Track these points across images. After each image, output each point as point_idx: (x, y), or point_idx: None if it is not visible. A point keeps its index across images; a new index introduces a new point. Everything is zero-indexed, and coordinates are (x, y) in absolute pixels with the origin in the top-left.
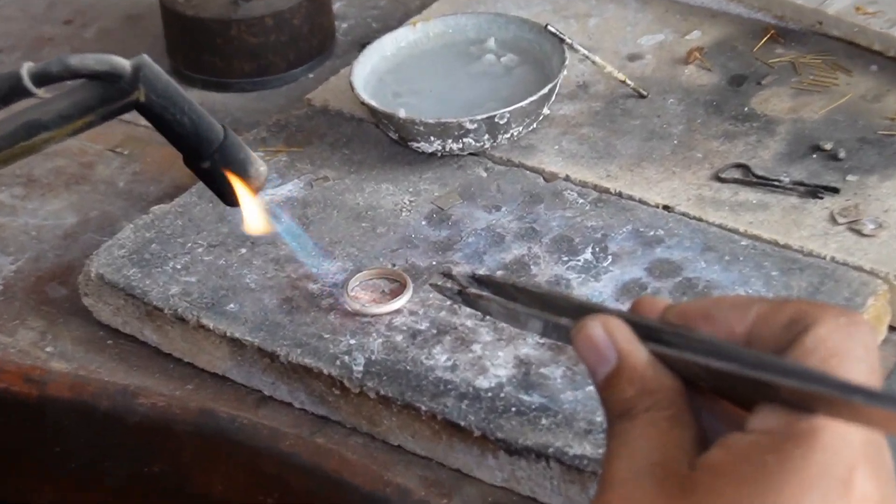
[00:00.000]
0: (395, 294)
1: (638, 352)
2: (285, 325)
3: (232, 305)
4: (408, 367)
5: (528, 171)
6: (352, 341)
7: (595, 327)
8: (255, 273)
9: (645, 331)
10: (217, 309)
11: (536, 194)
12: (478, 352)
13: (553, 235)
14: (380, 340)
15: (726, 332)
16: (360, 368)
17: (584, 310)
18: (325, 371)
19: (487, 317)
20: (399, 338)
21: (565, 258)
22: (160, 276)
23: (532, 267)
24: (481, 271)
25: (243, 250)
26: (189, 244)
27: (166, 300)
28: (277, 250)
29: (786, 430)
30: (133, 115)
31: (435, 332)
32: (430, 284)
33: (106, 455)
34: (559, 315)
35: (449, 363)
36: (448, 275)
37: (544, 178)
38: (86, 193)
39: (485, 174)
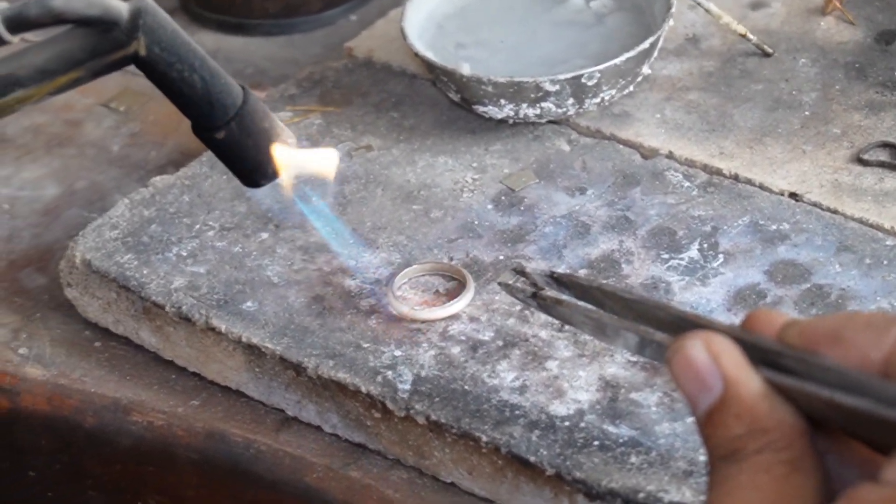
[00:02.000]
0: (451, 295)
1: (749, 380)
2: (315, 330)
3: (249, 303)
4: (466, 387)
5: (621, 146)
6: (397, 353)
7: (696, 347)
8: (278, 264)
9: (759, 353)
10: (231, 307)
11: (631, 175)
12: (553, 370)
13: (651, 227)
14: (432, 353)
15: (859, 358)
16: (407, 387)
17: (685, 323)
18: (364, 388)
19: (567, 326)
20: (456, 350)
21: (665, 256)
22: (161, 264)
23: (623, 265)
24: (561, 269)
25: (264, 235)
26: (197, 226)
27: (168, 295)
28: (307, 236)
29: None
30: (131, 67)
31: (501, 343)
32: (499, 283)
33: (90, 485)
34: (655, 328)
35: (517, 383)
36: (520, 272)
37: (642, 155)
38: (71, 158)
39: (567, 148)
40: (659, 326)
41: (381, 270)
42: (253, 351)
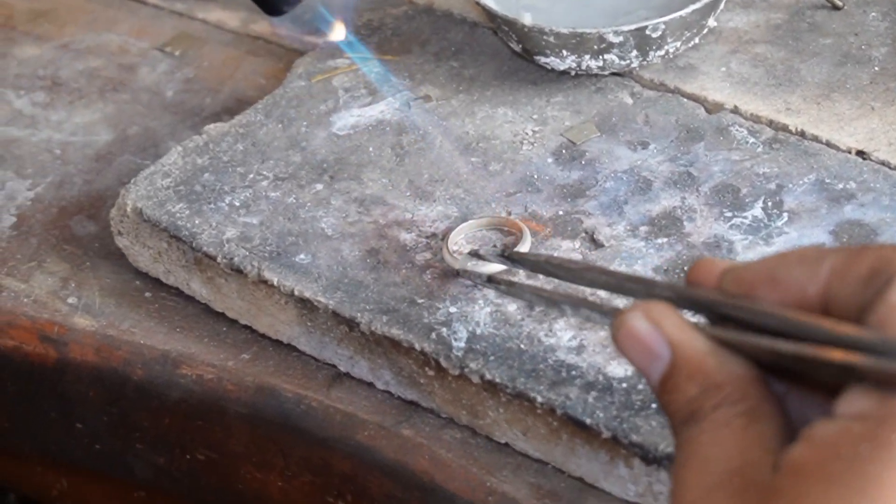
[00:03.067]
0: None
1: (693, 340)
2: (369, 284)
3: (302, 256)
4: (521, 346)
5: (685, 99)
6: (452, 309)
7: (637, 318)
8: (332, 216)
9: (702, 307)
10: (283, 260)
11: (695, 129)
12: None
13: (714, 183)
14: (487, 310)
15: (797, 295)
16: (462, 345)
17: (631, 282)
18: (417, 346)
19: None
20: (512, 308)
21: (728, 213)
22: (213, 214)
23: (685, 223)
24: (621, 226)
25: (319, 186)
26: (251, 175)
27: (220, 246)
28: (362, 188)
29: (880, 413)
30: (188, 6)
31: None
32: (458, 270)
33: (138, 438)
34: (604, 289)
35: (574, 343)
36: (476, 254)
37: (706, 109)
38: (124, 104)
39: (630, 101)
40: (608, 289)
41: (438, 224)
42: (305, 304)
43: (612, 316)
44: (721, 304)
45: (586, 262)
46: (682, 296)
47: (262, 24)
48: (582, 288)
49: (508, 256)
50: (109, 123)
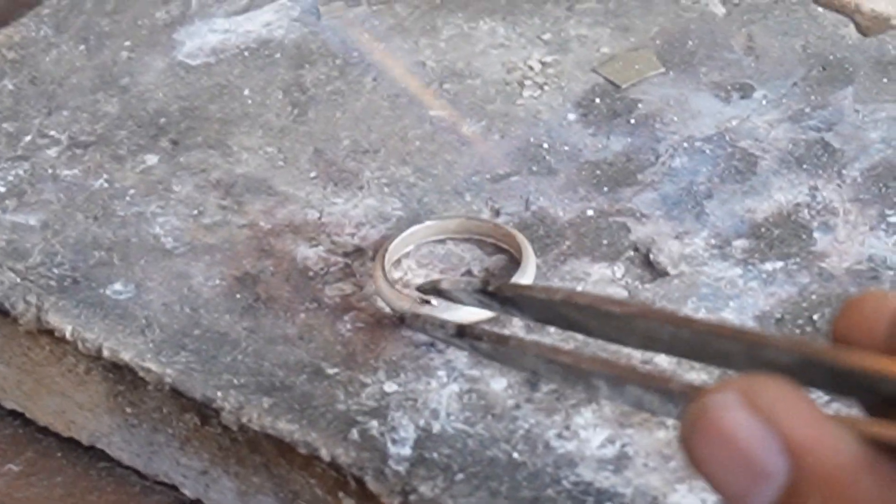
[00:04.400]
0: (497, 282)
1: (837, 445)
2: (239, 339)
3: (118, 287)
4: (515, 456)
5: (820, 9)
6: (389, 386)
7: (729, 406)
8: (175, 213)
9: (854, 386)
10: (84, 293)
11: (838, 63)
12: (675, 429)
13: (871, 162)
14: (454, 388)
15: None
16: (406, 451)
17: (722, 346)
18: (326, 453)
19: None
20: (499, 384)
21: (894, 218)
22: None
23: (817, 234)
24: (681, 241)
25: (152, 158)
26: (27, 137)
27: None
28: (230, 163)
29: None
30: None
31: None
32: (403, 314)
33: None
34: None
35: (611, 451)
36: (436, 289)
37: (857, 26)
38: None
39: (721, 10)
40: (677, 353)
41: (367, 230)
42: (122, 375)
43: (682, 400)
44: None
45: (638, 302)
46: (817, 364)
47: None
48: (628, 350)
49: (495, 293)
50: None
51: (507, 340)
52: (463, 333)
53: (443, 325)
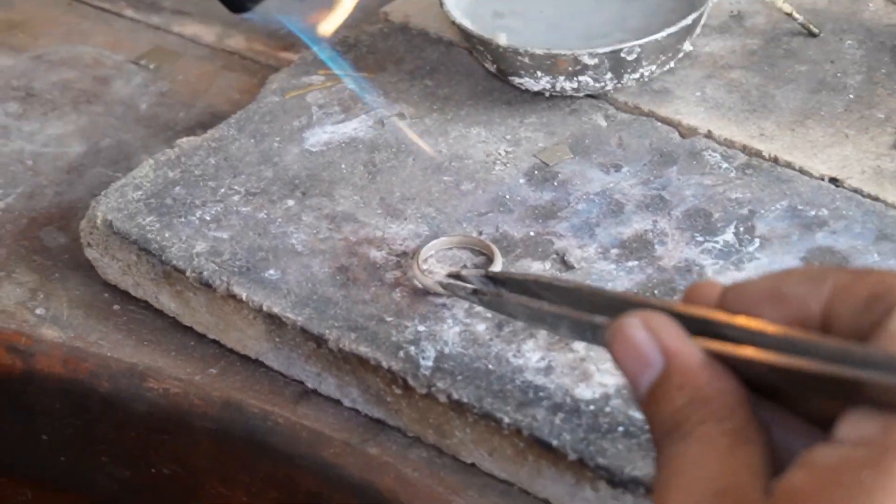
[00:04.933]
0: (478, 270)
1: (689, 350)
2: (338, 301)
3: (272, 272)
4: (490, 366)
5: (659, 123)
6: (421, 328)
7: (634, 326)
8: (303, 232)
9: (699, 326)
10: (253, 275)
11: (668, 153)
12: (581, 352)
13: (686, 207)
14: (456, 329)
15: (799, 312)
16: (430, 363)
17: (624, 304)
18: (385, 364)
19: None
20: (482, 327)
21: (700, 238)
22: (184, 228)
23: (657, 246)
24: (592, 248)
25: (290, 202)
26: (222, 190)
27: (189, 259)
28: (333, 205)
29: (884, 439)
30: (165, 19)
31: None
32: (439, 283)
33: (102, 451)
34: (593, 312)
35: (543, 364)
36: (456, 276)
37: (680, 134)
38: (98, 116)
39: (604, 123)
40: (598, 311)
41: (409, 243)
42: (273, 320)
43: (598, 331)
44: (720, 324)
45: (576, 281)
46: (679, 314)
47: (238, 39)
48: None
49: (492, 278)
50: (82, 135)
51: (501, 295)
52: (476, 293)
53: (464, 288)
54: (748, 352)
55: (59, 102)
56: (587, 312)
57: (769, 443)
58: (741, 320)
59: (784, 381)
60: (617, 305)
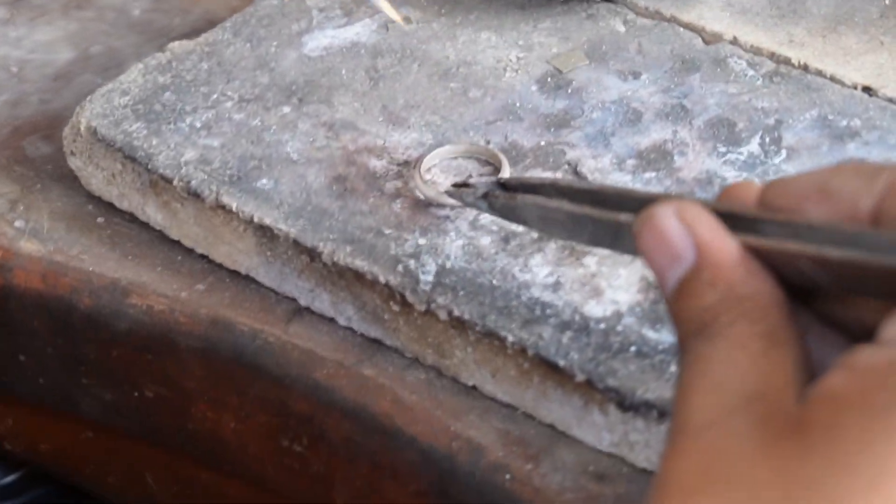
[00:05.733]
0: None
1: (725, 244)
2: (334, 212)
3: (264, 181)
4: (494, 282)
5: (681, 28)
6: (421, 241)
7: (667, 216)
8: (299, 140)
9: (740, 223)
10: (244, 185)
11: (691, 60)
12: (592, 267)
13: (709, 117)
14: (459, 242)
15: (848, 209)
16: (430, 278)
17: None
18: (382, 278)
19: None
20: (486, 240)
21: (722, 148)
22: (172, 135)
23: (676, 157)
24: (607, 158)
25: (286, 109)
26: (215, 95)
27: (177, 168)
28: (332, 112)
29: None
30: None
31: (536, 235)
32: (446, 192)
33: (84, 372)
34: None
35: (551, 280)
36: (463, 185)
37: (703, 39)
38: (88, 22)
39: (623, 28)
40: (615, 208)
41: (411, 152)
42: (265, 232)
43: (624, 230)
44: (763, 220)
45: (599, 183)
46: (718, 210)
47: None
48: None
49: (504, 184)
50: (71, 42)
51: (515, 198)
52: (487, 196)
53: (472, 192)
54: (792, 246)
55: (48, 7)
56: (611, 211)
57: (805, 350)
58: (783, 216)
59: (831, 278)
60: (646, 206)
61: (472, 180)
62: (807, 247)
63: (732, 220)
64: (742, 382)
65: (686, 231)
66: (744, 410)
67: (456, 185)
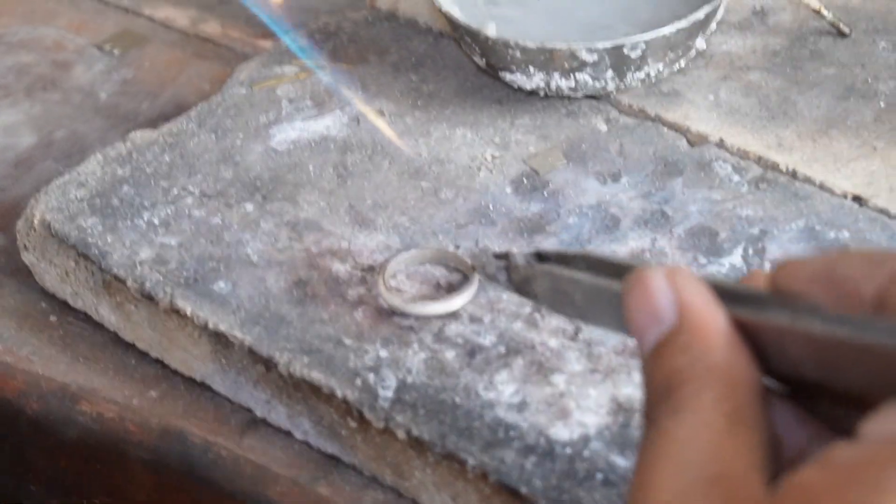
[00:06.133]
0: (452, 289)
1: (708, 310)
2: (292, 320)
3: (222, 284)
4: (457, 399)
5: (665, 129)
6: (382, 353)
7: (656, 277)
8: (260, 241)
9: (741, 302)
10: (201, 287)
11: (674, 163)
12: (560, 386)
13: (690, 225)
14: (422, 355)
15: (851, 294)
16: (390, 394)
17: None
18: (340, 392)
19: (579, 336)
20: (450, 354)
21: (703, 260)
22: (129, 232)
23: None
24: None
25: (249, 207)
26: (175, 190)
27: (132, 268)
28: (296, 211)
29: None
30: (136, 1)
31: (503, 350)
32: (472, 265)
33: (31, 479)
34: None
35: (517, 399)
36: (503, 255)
37: (688, 141)
38: (53, 104)
39: (604, 128)
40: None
41: (377, 255)
42: (220, 339)
43: None
44: (765, 301)
45: (626, 257)
46: (721, 287)
47: (213, 24)
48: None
49: (540, 254)
50: (34, 125)
51: (534, 267)
52: (541, 258)
53: (523, 255)
54: (781, 321)
55: (12, 88)
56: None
57: (772, 436)
58: (786, 298)
59: (815, 361)
60: None
61: (513, 251)
62: (796, 322)
63: (735, 298)
64: (705, 463)
65: (672, 293)
66: (705, 493)
67: (497, 256)
